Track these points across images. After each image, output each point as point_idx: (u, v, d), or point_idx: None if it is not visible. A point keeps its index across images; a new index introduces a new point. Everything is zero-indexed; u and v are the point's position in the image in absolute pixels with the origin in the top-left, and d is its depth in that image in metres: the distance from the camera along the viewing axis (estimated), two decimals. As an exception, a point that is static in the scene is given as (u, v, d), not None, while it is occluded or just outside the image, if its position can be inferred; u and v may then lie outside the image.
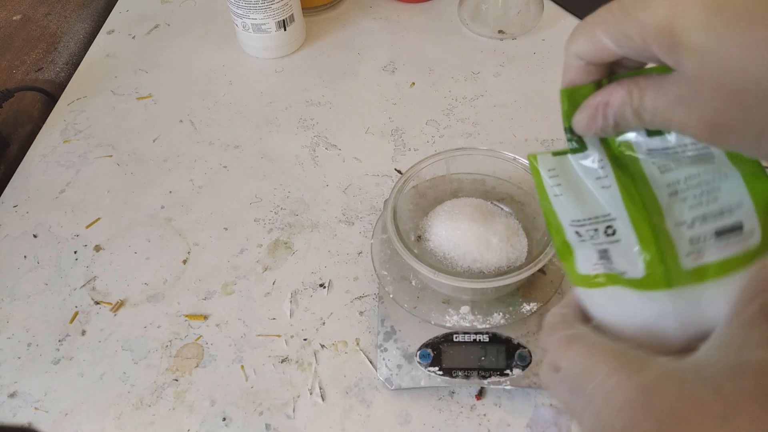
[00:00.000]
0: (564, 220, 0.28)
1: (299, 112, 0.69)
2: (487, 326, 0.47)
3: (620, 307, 0.26)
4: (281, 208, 0.60)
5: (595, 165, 0.27)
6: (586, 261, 0.28)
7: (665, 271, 0.25)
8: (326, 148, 0.65)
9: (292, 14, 0.72)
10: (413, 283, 0.50)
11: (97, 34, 0.82)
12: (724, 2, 0.20)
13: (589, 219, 0.27)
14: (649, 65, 0.25)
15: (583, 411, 0.23)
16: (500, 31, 0.76)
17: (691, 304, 0.25)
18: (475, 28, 0.77)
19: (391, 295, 0.49)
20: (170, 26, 0.82)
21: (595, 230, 0.27)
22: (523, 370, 0.46)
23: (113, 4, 0.86)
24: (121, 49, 0.79)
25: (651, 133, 0.26)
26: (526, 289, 0.49)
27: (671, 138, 0.25)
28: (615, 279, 0.26)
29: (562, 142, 0.63)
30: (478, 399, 0.47)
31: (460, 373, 0.46)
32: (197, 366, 0.50)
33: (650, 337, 0.26)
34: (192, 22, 0.82)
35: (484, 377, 0.46)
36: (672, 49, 0.21)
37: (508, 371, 0.46)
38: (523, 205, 0.52)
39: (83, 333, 0.52)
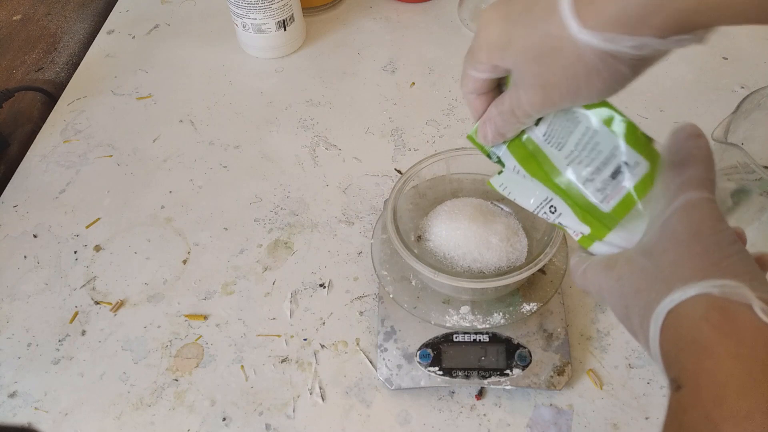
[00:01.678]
0: (533, 211, 0.36)
1: (299, 112, 0.69)
2: (487, 326, 0.47)
3: (601, 250, 0.34)
4: (281, 208, 0.60)
5: (516, 171, 0.36)
6: (567, 232, 0.35)
7: (598, 220, 0.33)
8: (326, 148, 0.65)
9: (292, 14, 0.72)
10: (413, 283, 0.50)
11: (97, 34, 0.82)
12: (508, 15, 0.30)
13: (539, 206, 0.35)
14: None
15: (605, 299, 0.32)
16: (500, 31, 0.76)
17: (631, 229, 0.32)
18: (475, 28, 0.77)
19: (391, 295, 0.49)
20: (170, 26, 0.82)
21: (545, 212, 0.35)
22: (523, 370, 0.46)
23: (113, 4, 0.86)
24: (121, 49, 0.79)
25: (536, 122, 0.34)
26: (526, 289, 0.49)
27: (547, 119, 0.33)
28: (584, 240, 0.34)
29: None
30: (478, 399, 0.47)
31: (460, 373, 0.46)
32: (197, 366, 0.50)
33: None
34: (192, 22, 0.82)
35: (484, 377, 0.46)
36: (501, 52, 0.30)
37: (508, 371, 0.46)
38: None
39: (83, 333, 0.52)
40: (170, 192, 0.62)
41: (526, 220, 0.51)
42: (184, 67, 0.75)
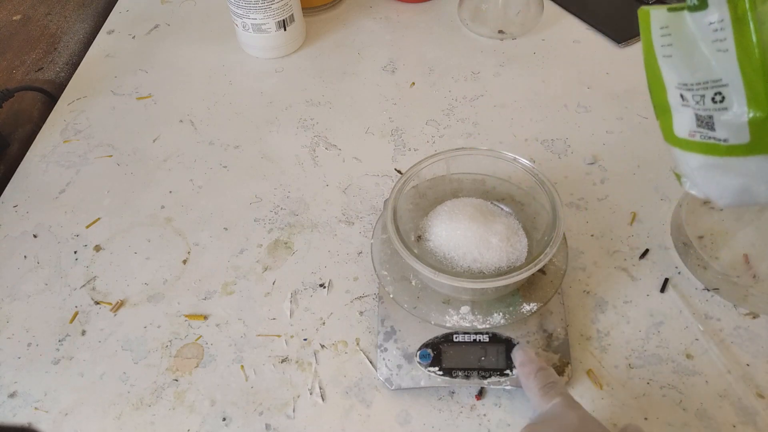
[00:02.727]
0: (669, 82, 0.27)
1: (299, 112, 0.69)
2: (487, 326, 0.47)
3: (714, 173, 0.26)
4: (281, 208, 0.60)
5: (714, 25, 0.25)
6: (684, 125, 0.27)
7: None
8: (326, 148, 0.65)
9: (292, 14, 0.72)
10: (413, 283, 0.50)
11: (97, 34, 0.82)
12: None
13: (699, 84, 0.26)
14: None
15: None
16: (500, 31, 0.76)
17: None
18: (475, 28, 0.77)
19: (391, 295, 0.49)
20: (170, 26, 0.82)
21: (702, 96, 0.26)
22: (523, 370, 0.46)
23: (113, 4, 0.86)
24: (121, 49, 0.79)
25: None
26: (526, 289, 0.49)
27: None
28: (715, 148, 0.26)
29: (561, 142, 0.63)
30: (478, 399, 0.47)
31: (460, 373, 0.46)
32: (197, 366, 0.50)
33: (741, 198, 0.27)
34: (192, 22, 0.82)
35: (484, 377, 0.46)
36: None
37: (508, 371, 0.46)
38: (523, 205, 0.52)
39: (83, 333, 0.52)
40: (170, 192, 0.62)
41: (526, 220, 0.51)
42: (184, 67, 0.75)
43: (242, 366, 0.50)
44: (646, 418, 0.45)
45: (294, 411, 0.47)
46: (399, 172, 0.62)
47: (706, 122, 0.26)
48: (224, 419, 0.47)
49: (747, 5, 0.25)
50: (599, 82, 0.70)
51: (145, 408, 0.48)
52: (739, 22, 0.25)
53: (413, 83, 0.71)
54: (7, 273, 0.57)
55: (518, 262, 0.48)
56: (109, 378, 0.50)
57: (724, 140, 0.26)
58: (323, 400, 0.47)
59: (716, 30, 0.25)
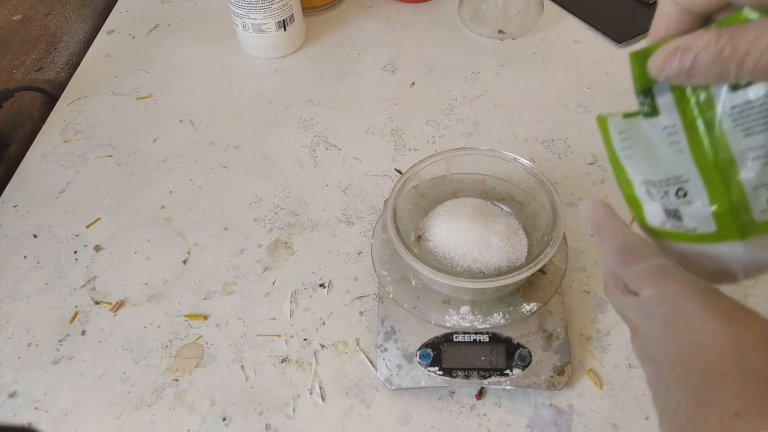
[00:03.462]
0: (634, 180, 0.28)
1: (299, 112, 0.69)
2: (487, 326, 0.47)
3: (688, 253, 0.27)
4: (281, 208, 0.60)
5: (668, 129, 0.27)
6: (655, 217, 0.29)
7: (738, 223, 0.26)
8: (326, 148, 0.65)
9: (292, 14, 0.72)
10: (413, 283, 0.50)
11: (97, 34, 0.82)
12: None
13: (661, 181, 0.27)
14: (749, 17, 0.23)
15: (655, 338, 0.23)
16: (500, 31, 0.76)
17: (763, 248, 0.26)
18: (475, 28, 0.77)
19: (391, 295, 0.49)
20: (170, 26, 0.82)
21: (666, 192, 0.27)
22: (523, 370, 0.46)
23: (113, 4, 0.86)
24: (121, 49, 0.79)
25: (734, 87, 0.25)
26: (526, 289, 0.49)
27: (759, 91, 0.24)
28: (685, 236, 0.27)
29: (561, 142, 0.63)
30: (478, 399, 0.47)
31: (460, 373, 0.46)
32: (197, 366, 0.50)
33: (714, 273, 0.27)
34: (192, 22, 0.82)
35: (484, 377, 0.46)
36: None
37: (508, 371, 0.46)
38: (523, 205, 0.52)
39: (83, 333, 0.52)
40: (170, 192, 0.62)
41: (526, 220, 0.51)
42: (184, 67, 0.75)
43: (242, 366, 0.50)
44: (647, 418, 0.45)
45: (294, 411, 0.47)
46: (399, 172, 0.62)
47: (673, 214, 0.28)
48: (224, 419, 0.47)
49: (695, 112, 0.26)
50: (599, 82, 0.70)
51: (145, 408, 0.48)
52: (690, 126, 0.26)
53: (413, 83, 0.71)
54: (7, 273, 0.57)
55: (518, 262, 0.48)
56: (109, 378, 0.50)
57: (693, 229, 0.27)
58: (323, 400, 0.47)
59: (670, 134, 0.27)
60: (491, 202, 0.52)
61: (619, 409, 0.46)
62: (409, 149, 0.64)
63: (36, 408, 0.48)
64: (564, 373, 0.46)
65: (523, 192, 0.52)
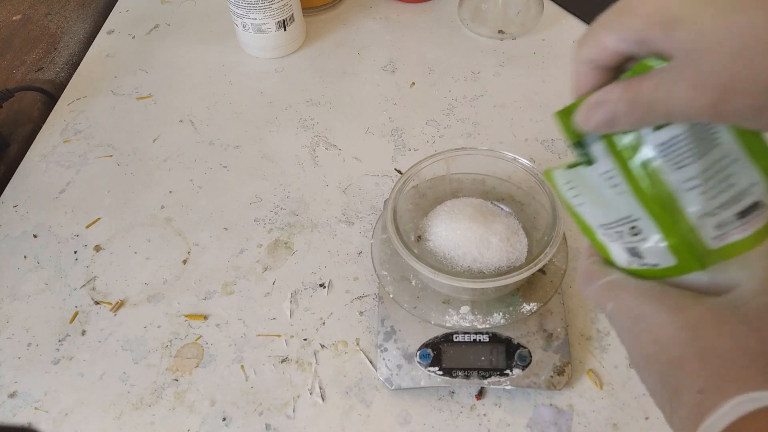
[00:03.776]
0: (592, 225, 0.30)
1: (299, 112, 0.69)
2: (487, 326, 0.47)
3: (670, 283, 0.28)
4: (281, 208, 0.60)
5: (607, 174, 0.28)
6: (620, 257, 0.30)
7: (694, 254, 0.27)
8: (326, 148, 0.65)
9: (292, 14, 0.72)
10: (413, 283, 0.50)
11: (97, 34, 0.82)
12: None
13: (613, 222, 0.29)
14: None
15: (627, 345, 0.26)
16: (500, 31, 0.76)
17: (724, 272, 0.27)
18: (475, 28, 0.77)
19: (391, 295, 0.49)
20: (170, 26, 0.82)
21: (621, 232, 0.29)
22: (523, 370, 0.46)
23: (113, 4, 0.86)
24: (121, 49, 0.79)
25: (657, 127, 0.26)
26: (526, 289, 0.49)
27: (679, 128, 0.26)
28: (652, 272, 0.28)
29: (561, 142, 0.63)
30: (478, 399, 0.47)
31: (460, 373, 0.46)
32: (197, 366, 0.50)
33: (706, 289, 0.28)
34: (192, 22, 0.82)
35: (484, 377, 0.46)
36: (671, 26, 0.22)
37: (508, 371, 0.46)
38: (523, 205, 0.52)
39: (83, 333, 0.52)
40: (170, 192, 0.62)
41: (526, 220, 0.51)
42: (184, 67, 0.75)
43: (242, 366, 0.50)
44: (647, 418, 0.45)
45: (294, 411, 0.47)
46: (399, 172, 0.62)
47: (634, 253, 0.29)
48: (224, 419, 0.47)
49: (627, 155, 0.28)
50: (599, 82, 0.70)
51: (145, 408, 0.48)
52: (625, 168, 0.28)
53: (413, 83, 0.71)
54: (7, 273, 0.57)
55: (518, 262, 0.48)
56: (109, 378, 0.50)
57: (656, 265, 0.28)
58: (323, 400, 0.47)
59: (610, 178, 0.28)
60: (491, 202, 0.52)
61: (619, 409, 0.46)
62: (409, 149, 0.64)
63: (36, 408, 0.48)
64: (564, 373, 0.46)
65: (523, 192, 0.52)
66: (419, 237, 0.51)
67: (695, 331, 0.24)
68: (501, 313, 0.47)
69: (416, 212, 0.52)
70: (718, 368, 0.23)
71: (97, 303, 0.54)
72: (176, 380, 0.49)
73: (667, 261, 0.28)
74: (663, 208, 0.27)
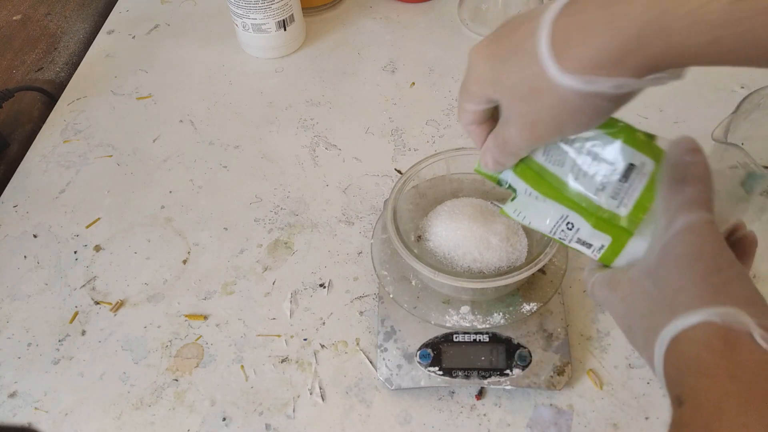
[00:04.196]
0: (546, 233, 0.36)
1: (299, 112, 0.69)
2: (487, 326, 0.47)
3: (626, 259, 0.34)
4: (281, 208, 0.60)
5: (527, 192, 0.36)
6: (585, 252, 0.35)
7: (615, 225, 0.33)
8: (326, 148, 0.65)
9: (292, 14, 0.72)
10: (413, 283, 0.50)
11: (97, 34, 0.82)
12: (495, 52, 0.31)
13: (555, 225, 0.35)
14: None
15: (611, 314, 0.33)
16: (500, 31, 0.76)
17: (648, 235, 0.32)
18: (475, 28, 0.77)
19: (391, 295, 0.49)
20: (170, 26, 0.82)
21: (563, 231, 0.35)
22: (523, 370, 0.46)
23: (113, 4, 0.86)
24: (121, 49, 0.79)
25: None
26: (526, 289, 0.49)
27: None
28: (607, 255, 0.33)
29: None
30: (478, 399, 0.47)
31: (460, 373, 0.46)
32: (197, 366, 0.50)
33: None
34: (192, 22, 0.82)
35: (484, 377, 0.46)
36: (492, 87, 0.32)
37: (508, 371, 0.46)
38: (523, 205, 0.52)
39: (83, 333, 0.52)
40: (170, 192, 0.62)
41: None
42: (184, 67, 0.75)
43: (242, 366, 0.50)
44: (647, 418, 0.45)
45: (294, 411, 0.47)
46: (399, 172, 0.62)
47: (584, 243, 0.34)
48: (224, 419, 0.47)
49: (529, 172, 0.35)
50: (599, 82, 0.70)
51: (145, 408, 0.48)
52: (534, 182, 0.35)
53: (413, 83, 0.71)
54: (7, 273, 0.57)
55: (518, 262, 0.48)
56: (109, 378, 0.50)
57: (602, 247, 0.33)
58: (323, 400, 0.47)
59: (530, 194, 0.36)
60: (491, 202, 0.52)
61: (619, 409, 0.46)
62: (409, 149, 0.64)
63: (36, 408, 0.48)
64: (564, 373, 0.46)
65: (523, 192, 0.51)
66: (419, 237, 0.51)
67: (625, 301, 0.31)
68: (501, 313, 0.47)
69: (416, 212, 0.52)
70: (641, 317, 0.29)
71: (97, 303, 0.54)
72: (176, 380, 0.49)
73: (605, 239, 0.33)
74: (569, 198, 0.34)
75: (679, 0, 0.24)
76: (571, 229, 0.34)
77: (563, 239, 0.35)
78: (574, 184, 0.34)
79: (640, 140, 0.32)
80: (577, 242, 0.34)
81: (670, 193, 0.30)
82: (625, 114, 0.31)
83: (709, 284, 0.27)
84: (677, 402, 0.26)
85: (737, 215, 0.32)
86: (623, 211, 0.32)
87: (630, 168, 0.32)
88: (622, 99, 0.29)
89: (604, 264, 0.34)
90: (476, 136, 0.36)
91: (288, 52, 0.76)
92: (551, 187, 0.35)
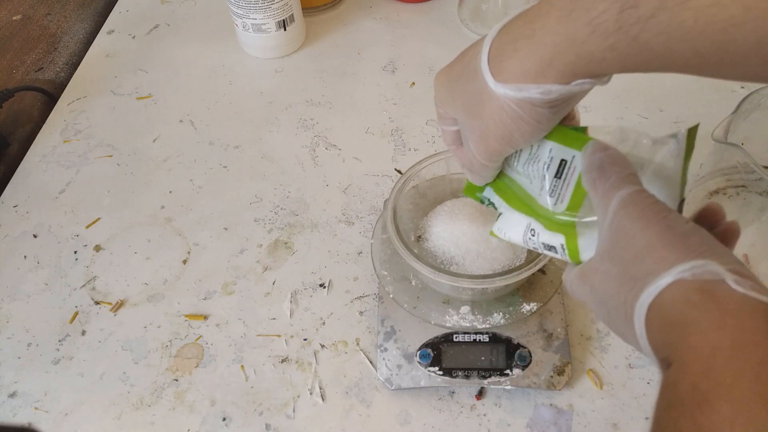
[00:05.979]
0: (524, 244, 0.37)
1: (299, 112, 0.69)
2: (487, 326, 0.47)
3: (590, 252, 0.34)
4: (281, 208, 0.60)
5: (504, 209, 0.38)
6: (556, 257, 0.36)
7: (560, 224, 0.34)
8: (326, 148, 0.65)
9: (292, 14, 0.72)
10: (413, 283, 0.50)
11: (97, 34, 0.82)
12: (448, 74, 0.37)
13: (524, 234, 0.37)
14: None
15: (590, 307, 0.33)
16: (500, 31, 0.76)
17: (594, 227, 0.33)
18: (475, 28, 0.77)
19: (391, 295, 0.49)
20: (170, 26, 0.82)
21: (530, 238, 0.36)
22: (523, 370, 0.46)
23: (113, 4, 0.86)
24: (121, 49, 0.79)
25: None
26: (526, 289, 0.49)
27: (515, 153, 0.37)
28: (571, 254, 0.34)
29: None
30: (478, 399, 0.47)
31: (460, 373, 0.46)
32: (197, 366, 0.50)
33: None
34: (192, 22, 0.82)
35: (484, 377, 0.46)
36: (448, 104, 0.36)
37: (508, 371, 0.46)
38: (523, 205, 0.52)
39: (83, 333, 0.52)
40: (170, 192, 0.62)
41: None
42: (184, 67, 0.75)
43: (242, 366, 0.50)
44: (647, 418, 0.45)
45: (294, 411, 0.47)
46: (399, 172, 0.62)
47: (550, 248, 0.35)
48: (224, 419, 0.47)
49: (497, 186, 0.39)
50: (599, 82, 0.70)
51: (145, 408, 0.48)
52: (499, 193, 0.39)
53: (413, 83, 0.71)
54: (7, 273, 0.57)
55: (518, 262, 0.48)
56: (109, 378, 0.50)
57: (562, 245, 0.34)
58: (323, 400, 0.48)
59: (508, 210, 0.38)
60: (491, 202, 0.52)
61: (619, 409, 0.46)
62: (409, 149, 0.64)
63: (36, 408, 0.48)
64: (564, 373, 0.46)
65: (523, 192, 0.51)
66: (419, 237, 0.51)
67: (595, 290, 0.31)
68: (501, 313, 0.47)
69: (416, 212, 0.52)
70: (612, 297, 0.29)
71: (97, 303, 0.54)
72: (176, 380, 0.49)
73: (560, 238, 0.34)
74: (528, 206, 0.36)
75: (581, 12, 0.27)
76: (534, 236, 0.36)
77: (536, 248, 0.36)
78: (529, 191, 0.36)
79: (569, 135, 0.33)
80: (544, 248, 0.35)
81: (597, 186, 0.31)
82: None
83: (667, 244, 0.27)
84: (665, 365, 0.26)
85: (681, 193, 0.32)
86: (561, 207, 0.34)
87: (562, 164, 0.34)
88: (557, 105, 0.31)
89: (576, 263, 0.35)
90: (457, 156, 0.39)
91: (288, 52, 0.76)
92: (516, 197, 0.37)
